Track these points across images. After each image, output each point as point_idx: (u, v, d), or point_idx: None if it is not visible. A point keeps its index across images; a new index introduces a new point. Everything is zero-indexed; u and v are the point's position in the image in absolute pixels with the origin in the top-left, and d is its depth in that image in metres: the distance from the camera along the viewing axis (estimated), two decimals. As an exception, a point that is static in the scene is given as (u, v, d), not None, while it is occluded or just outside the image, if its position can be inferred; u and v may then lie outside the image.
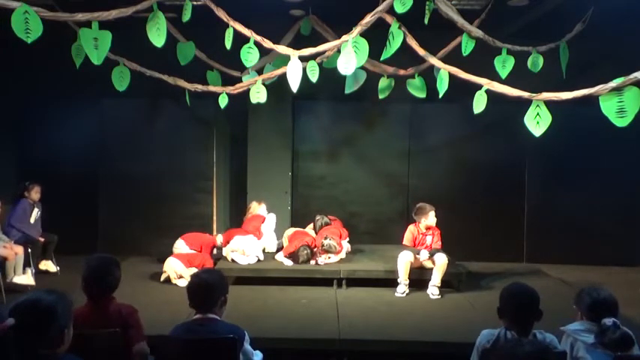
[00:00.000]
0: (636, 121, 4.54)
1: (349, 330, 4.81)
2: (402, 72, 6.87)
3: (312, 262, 6.47)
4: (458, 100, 6.20)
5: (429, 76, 6.49)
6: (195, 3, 5.69)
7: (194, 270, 5.87)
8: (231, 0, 5.66)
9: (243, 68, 6.82)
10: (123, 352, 2.84)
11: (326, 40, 6.30)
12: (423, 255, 6.05)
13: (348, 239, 7.17)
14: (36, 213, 6.97)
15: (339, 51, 5.76)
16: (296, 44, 6.25)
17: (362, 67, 6.26)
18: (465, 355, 3.04)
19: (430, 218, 6.16)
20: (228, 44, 5.79)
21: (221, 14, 5.77)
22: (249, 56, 5.92)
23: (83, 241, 7.52)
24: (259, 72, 6.90)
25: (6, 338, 1.92)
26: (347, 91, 7.01)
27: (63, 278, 6.72)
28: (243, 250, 6.59)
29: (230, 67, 7.08)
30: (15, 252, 6.24)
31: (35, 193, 6.94)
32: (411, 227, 6.29)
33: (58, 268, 7.02)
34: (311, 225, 7.27)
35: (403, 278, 5.98)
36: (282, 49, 5.95)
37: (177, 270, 6.28)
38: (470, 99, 5.67)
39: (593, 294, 2.96)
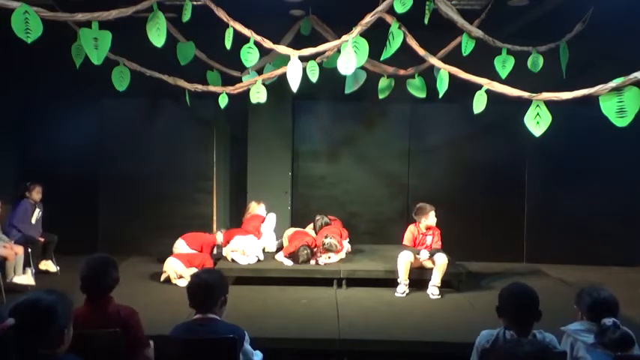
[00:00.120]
0: (636, 121, 4.54)
1: (349, 330, 4.81)
2: (402, 72, 6.87)
3: (313, 261, 6.48)
4: (458, 100, 6.20)
5: (429, 76, 6.49)
6: (195, 3, 5.69)
7: (194, 270, 5.87)
8: (231, 0, 5.66)
9: (243, 68, 6.82)
10: (123, 353, 2.84)
11: (326, 40, 6.30)
12: (423, 255, 6.05)
13: (348, 239, 7.17)
14: (37, 213, 6.98)
15: (339, 51, 5.76)
16: (296, 44, 6.25)
17: (362, 67, 6.26)
18: (465, 355, 3.04)
19: (430, 218, 6.16)
20: (228, 44, 5.79)
21: (221, 14, 5.77)
22: (249, 56, 5.92)
23: (83, 241, 7.51)
24: (259, 72, 6.90)
25: (6, 338, 1.92)
26: (347, 91, 7.02)
27: (63, 278, 6.72)
28: (243, 250, 6.59)
29: (230, 67, 7.08)
30: (15, 252, 6.24)
31: (36, 194, 6.94)
32: (411, 227, 6.29)
33: (58, 268, 7.03)
34: (311, 225, 7.27)
35: (403, 278, 5.98)
36: (282, 49, 5.95)
37: (177, 270, 6.28)
38: (470, 99, 5.67)
39: (594, 294, 2.96)
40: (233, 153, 8.58)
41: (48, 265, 7.00)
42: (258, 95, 6.52)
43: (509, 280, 4.73)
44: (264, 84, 6.57)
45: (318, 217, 7.19)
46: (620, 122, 4.58)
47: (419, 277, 6.11)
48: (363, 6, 5.51)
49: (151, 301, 5.50)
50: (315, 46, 5.83)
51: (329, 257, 6.52)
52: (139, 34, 5.44)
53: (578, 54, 6.37)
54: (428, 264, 6.10)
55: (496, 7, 6.10)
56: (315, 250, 6.57)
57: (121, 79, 6.44)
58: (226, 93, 6.77)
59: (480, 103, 5.61)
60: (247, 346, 2.87)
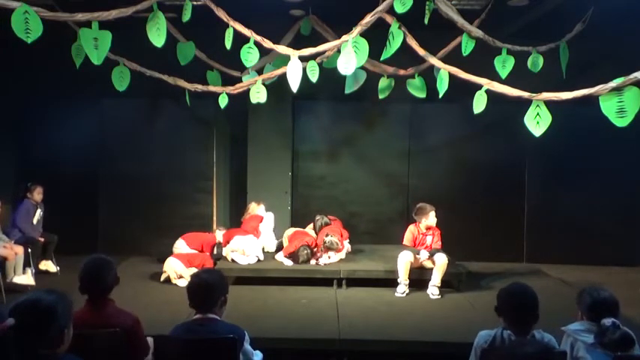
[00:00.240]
0: (636, 121, 4.54)
1: (349, 330, 4.81)
2: (402, 72, 6.87)
3: (313, 261, 6.48)
4: (458, 100, 6.20)
5: (429, 76, 6.49)
6: (195, 3, 5.69)
7: (194, 270, 5.86)
8: (231, 0, 5.66)
9: (243, 68, 6.82)
10: (124, 354, 2.84)
11: (326, 40, 6.30)
12: (423, 255, 6.05)
13: (348, 240, 7.17)
14: (39, 214, 6.99)
15: (339, 51, 5.76)
16: (296, 44, 6.25)
17: (362, 67, 6.26)
18: (465, 355, 3.04)
19: (430, 218, 6.16)
20: (228, 44, 5.79)
21: (221, 14, 5.77)
22: (249, 56, 5.92)
23: (83, 241, 7.52)
24: (259, 72, 6.90)
25: (6, 338, 1.92)
26: (347, 91, 7.01)
27: (63, 278, 6.72)
28: (243, 250, 6.59)
29: (230, 67, 7.08)
30: (15, 252, 6.24)
31: (37, 194, 6.95)
32: (411, 227, 6.29)
33: (58, 268, 7.03)
34: (311, 225, 7.27)
35: (403, 278, 5.98)
36: (282, 49, 5.95)
37: (177, 270, 6.28)
38: (470, 99, 5.67)
39: (594, 294, 2.95)
40: (233, 153, 8.58)
41: (48, 265, 7.00)
42: (258, 95, 6.52)
43: (509, 280, 4.73)
44: (264, 84, 6.57)
45: (318, 217, 7.19)
46: (620, 122, 4.58)
47: (419, 277, 6.11)
48: (363, 6, 5.51)
49: (151, 301, 5.51)
50: (315, 46, 5.83)
51: (329, 257, 6.52)
52: (139, 34, 5.44)
53: (578, 54, 6.37)
54: (428, 264, 6.10)
55: (496, 7, 6.10)
56: (315, 250, 6.57)
57: (121, 79, 6.45)
58: (226, 93, 6.77)
59: (479, 103, 5.61)
60: (247, 346, 2.87)
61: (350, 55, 5.56)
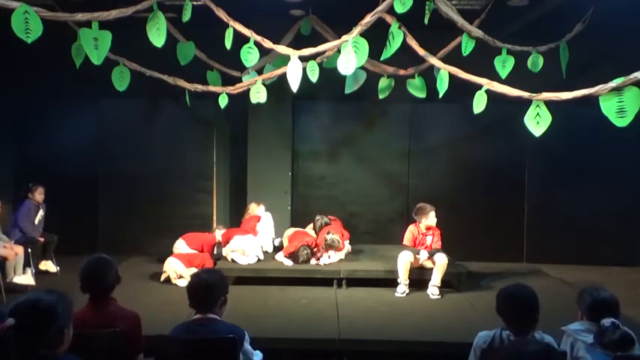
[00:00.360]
0: (636, 121, 4.54)
1: (349, 330, 4.81)
2: (402, 72, 6.87)
3: (313, 261, 6.48)
4: (458, 100, 6.20)
5: (429, 76, 6.48)
6: (195, 3, 5.69)
7: (194, 270, 5.86)
8: (231, 0, 5.66)
9: (243, 68, 6.82)
10: (123, 354, 2.84)
11: (326, 40, 6.30)
12: (423, 255, 6.05)
13: (348, 240, 7.17)
14: (40, 214, 6.99)
15: (339, 51, 5.76)
16: (296, 44, 6.25)
17: (362, 67, 6.26)
18: (465, 355, 3.04)
19: (430, 218, 6.16)
20: (228, 44, 5.79)
21: (221, 14, 5.77)
22: (249, 56, 5.92)
23: (83, 241, 7.52)
24: (259, 72, 6.90)
25: (6, 338, 1.92)
26: (347, 91, 7.01)
27: (63, 278, 6.72)
28: (243, 250, 6.59)
29: (230, 67, 7.08)
30: (15, 252, 6.25)
31: (39, 195, 6.96)
32: (411, 227, 6.29)
33: (58, 268, 7.03)
34: (311, 225, 7.27)
35: (403, 278, 5.98)
36: (282, 49, 5.95)
37: (177, 270, 6.28)
38: (470, 99, 5.67)
39: (594, 294, 2.95)
40: (233, 153, 8.58)
41: (48, 265, 7.00)
42: (258, 95, 6.52)
43: (509, 280, 4.75)
44: (264, 84, 6.57)
45: (318, 217, 7.19)
46: (620, 122, 4.58)
47: (419, 277, 6.11)
48: (363, 6, 5.51)
49: (151, 301, 5.51)
50: (315, 46, 5.83)
51: (329, 257, 6.52)
52: (139, 34, 5.44)
53: (578, 54, 6.36)
54: (428, 264, 6.10)
55: (496, 7, 6.10)
56: (315, 250, 6.57)
57: (121, 79, 6.45)
58: (226, 93, 6.77)
59: (479, 103, 5.61)
60: (247, 346, 2.87)
61: (350, 55, 5.56)
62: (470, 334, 3.17)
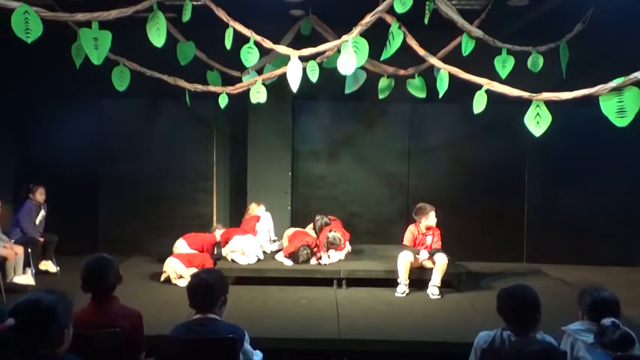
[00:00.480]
0: (636, 121, 4.54)
1: (349, 330, 4.81)
2: (402, 72, 6.87)
3: (313, 261, 6.48)
4: (458, 100, 6.20)
5: (429, 76, 6.48)
6: (195, 3, 5.69)
7: (194, 270, 5.86)
8: (231, 0, 5.66)
9: (243, 68, 6.82)
10: (123, 353, 2.84)
11: (326, 40, 6.30)
12: (423, 255, 6.05)
13: (349, 241, 7.17)
14: (42, 214, 6.99)
15: (339, 51, 5.76)
16: (296, 44, 6.25)
17: (362, 67, 6.26)
18: (465, 355, 3.04)
19: (430, 218, 6.16)
20: (228, 44, 5.79)
21: (221, 14, 5.77)
22: (249, 56, 5.91)
23: (83, 241, 7.51)
24: (259, 72, 6.90)
25: (6, 338, 1.92)
26: (347, 91, 7.01)
27: (63, 278, 6.73)
28: (243, 250, 6.59)
29: (230, 67, 7.08)
30: (15, 252, 6.25)
31: (40, 195, 6.96)
32: (411, 227, 6.29)
33: (58, 268, 7.03)
34: (311, 225, 7.27)
35: (403, 278, 5.98)
36: (282, 49, 5.95)
37: (177, 270, 6.28)
38: (470, 99, 5.67)
39: (594, 294, 2.95)
40: (233, 153, 8.58)
41: (48, 265, 7.00)
42: (258, 95, 6.52)
43: (509, 280, 4.75)
44: (264, 84, 6.57)
45: (318, 217, 7.19)
46: (620, 122, 4.58)
47: (419, 277, 6.11)
48: (363, 6, 5.51)
49: (151, 301, 5.50)
50: (315, 46, 5.83)
51: (329, 256, 6.52)
52: (139, 34, 5.44)
53: (578, 54, 6.36)
54: (428, 264, 6.10)
55: (496, 7, 6.10)
56: (316, 250, 6.57)
57: (121, 79, 6.44)
58: (226, 93, 6.77)
59: (479, 103, 5.61)
60: (247, 346, 2.87)
61: (350, 55, 5.56)
62: (470, 334, 3.17)
